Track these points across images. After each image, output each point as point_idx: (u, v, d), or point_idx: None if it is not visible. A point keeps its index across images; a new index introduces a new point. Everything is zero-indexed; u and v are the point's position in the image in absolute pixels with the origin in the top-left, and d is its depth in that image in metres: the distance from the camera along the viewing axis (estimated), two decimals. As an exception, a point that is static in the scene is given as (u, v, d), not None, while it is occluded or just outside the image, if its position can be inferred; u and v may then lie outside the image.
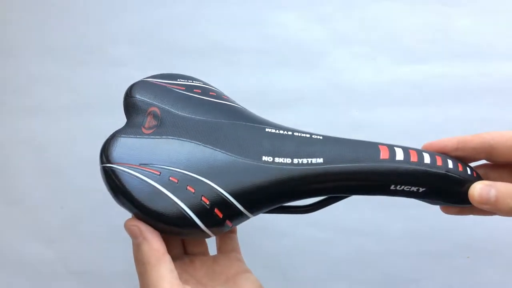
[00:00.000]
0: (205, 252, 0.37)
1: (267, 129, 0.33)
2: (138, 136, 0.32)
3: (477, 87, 0.50)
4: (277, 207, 0.34)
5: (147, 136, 0.32)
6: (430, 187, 0.32)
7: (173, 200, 0.30)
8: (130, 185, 0.30)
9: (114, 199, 0.32)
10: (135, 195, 0.30)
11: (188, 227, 0.30)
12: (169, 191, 0.30)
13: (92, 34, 0.52)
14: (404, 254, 0.51)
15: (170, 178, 0.31)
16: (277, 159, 0.32)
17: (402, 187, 0.32)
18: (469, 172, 0.33)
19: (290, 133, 0.33)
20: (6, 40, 0.53)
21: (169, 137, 0.32)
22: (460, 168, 0.33)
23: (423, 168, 0.32)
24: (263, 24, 0.51)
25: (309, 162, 0.32)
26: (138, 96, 0.34)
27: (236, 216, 0.31)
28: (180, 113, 0.34)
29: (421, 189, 0.32)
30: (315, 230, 0.52)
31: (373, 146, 0.33)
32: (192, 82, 0.37)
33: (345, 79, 0.52)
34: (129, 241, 0.54)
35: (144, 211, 0.30)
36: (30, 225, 0.54)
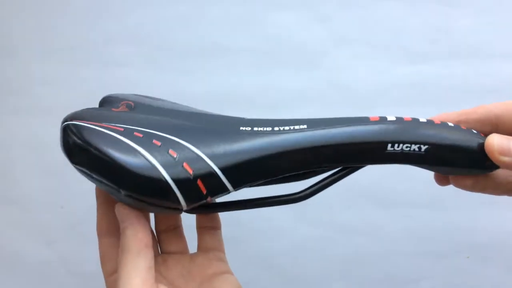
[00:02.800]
0: (183, 251, 0.34)
1: (241, 127, 0.30)
2: (105, 110, 0.31)
3: (477, 87, 0.50)
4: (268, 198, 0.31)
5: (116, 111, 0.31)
6: (434, 143, 0.29)
7: (149, 160, 0.26)
8: (93, 136, 0.27)
9: (73, 162, 0.29)
10: (103, 149, 0.27)
11: (159, 195, 0.27)
12: (143, 148, 0.27)
13: (92, 34, 0.52)
14: (404, 254, 0.51)
15: (135, 134, 0.28)
16: (255, 128, 0.30)
17: (401, 146, 0.28)
18: (474, 131, 0.30)
19: (269, 129, 0.30)
20: (6, 40, 0.53)
21: (141, 113, 0.31)
22: (463, 127, 0.30)
23: (420, 122, 0.29)
24: (263, 24, 0.51)
25: (291, 128, 0.30)
26: (114, 95, 0.33)
27: (218, 191, 0.28)
28: (154, 105, 0.32)
29: (423, 147, 0.28)
30: (314, 230, 0.52)
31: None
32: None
33: (345, 79, 0.52)
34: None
35: (113, 169, 0.26)
36: (30, 225, 0.54)
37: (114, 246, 0.30)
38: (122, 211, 0.28)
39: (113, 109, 0.32)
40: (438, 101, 0.51)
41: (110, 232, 0.31)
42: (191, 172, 0.27)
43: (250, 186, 0.30)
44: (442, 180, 0.32)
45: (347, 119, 0.30)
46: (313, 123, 0.30)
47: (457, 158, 0.29)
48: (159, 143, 0.27)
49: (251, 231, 0.52)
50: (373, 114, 0.51)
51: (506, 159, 0.27)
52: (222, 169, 0.27)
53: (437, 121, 0.30)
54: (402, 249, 0.51)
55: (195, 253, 0.34)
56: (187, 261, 0.33)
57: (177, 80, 0.52)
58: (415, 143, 0.29)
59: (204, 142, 0.28)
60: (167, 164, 0.27)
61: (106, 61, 0.52)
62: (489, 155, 0.28)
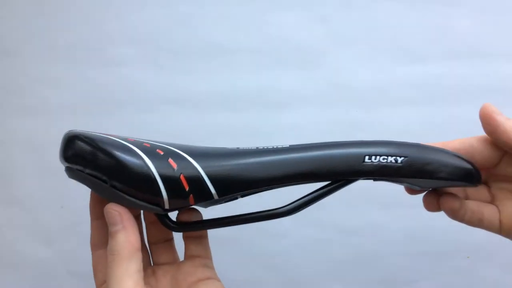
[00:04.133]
0: (172, 262, 0.35)
1: (229, 148, 0.33)
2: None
3: (477, 87, 0.50)
4: (249, 217, 0.33)
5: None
6: (410, 156, 0.30)
7: (138, 152, 0.29)
8: (90, 136, 0.30)
9: (68, 160, 0.31)
10: (96, 142, 0.30)
11: (146, 189, 0.29)
12: (134, 146, 0.30)
13: (92, 34, 0.52)
14: (404, 254, 0.51)
15: (128, 139, 0.31)
16: (241, 148, 0.32)
17: (378, 158, 0.30)
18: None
19: (254, 148, 0.32)
20: (7, 40, 0.53)
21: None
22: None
23: (397, 141, 0.31)
24: (263, 24, 0.51)
25: (274, 147, 0.31)
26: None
27: (202, 196, 0.30)
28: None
29: (400, 159, 0.30)
30: (314, 230, 0.52)
31: None
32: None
33: (345, 79, 0.52)
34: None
35: (103, 158, 0.29)
36: (30, 225, 0.54)
37: (105, 257, 0.30)
38: (113, 213, 0.29)
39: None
40: (438, 101, 0.51)
41: (103, 244, 0.32)
42: (174, 167, 0.29)
43: (236, 197, 0.32)
44: (432, 206, 0.34)
45: (327, 142, 0.31)
46: (296, 145, 0.32)
47: (435, 170, 0.30)
48: (149, 145, 0.30)
49: (251, 231, 0.52)
50: (373, 114, 0.51)
51: (500, 117, 0.32)
52: (207, 173, 0.30)
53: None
54: (402, 249, 0.51)
55: (182, 261, 0.35)
56: (174, 270, 0.34)
57: (177, 80, 0.52)
58: (392, 155, 0.30)
59: (194, 152, 0.31)
60: (154, 158, 0.29)
61: (106, 61, 0.52)
62: (488, 117, 0.32)
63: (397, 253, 0.51)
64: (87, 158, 0.30)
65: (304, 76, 0.52)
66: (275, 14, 0.51)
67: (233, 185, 0.30)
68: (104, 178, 0.29)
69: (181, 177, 0.29)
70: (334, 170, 0.30)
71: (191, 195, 0.30)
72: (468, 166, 0.31)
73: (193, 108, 0.51)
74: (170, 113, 0.52)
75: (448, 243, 0.51)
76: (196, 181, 0.29)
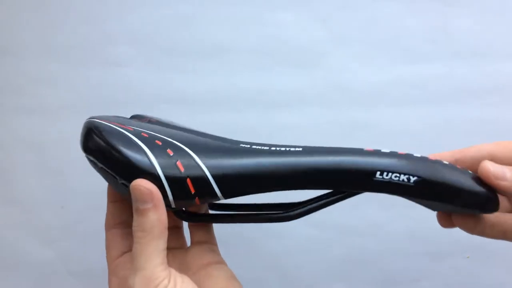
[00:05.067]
0: (181, 247, 0.36)
1: (241, 144, 0.32)
2: (126, 118, 0.35)
3: (477, 87, 0.50)
4: (255, 214, 0.33)
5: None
6: (424, 177, 0.28)
7: (147, 153, 0.29)
8: (106, 130, 0.30)
9: (85, 151, 0.32)
10: (109, 139, 0.30)
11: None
12: (144, 144, 0.30)
13: (92, 34, 0.52)
14: (404, 254, 0.51)
15: (142, 134, 0.31)
16: (254, 146, 0.32)
17: (390, 175, 0.28)
18: (470, 172, 0.30)
19: (266, 148, 0.32)
20: (6, 40, 0.53)
21: (156, 124, 0.34)
22: (458, 166, 0.30)
23: (413, 157, 0.29)
24: (263, 24, 0.51)
25: (287, 150, 0.31)
26: (143, 114, 0.37)
27: (208, 195, 0.30)
28: (172, 123, 0.36)
29: (412, 178, 0.28)
30: (315, 230, 0.52)
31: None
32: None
33: (345, 79, 0.52)
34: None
35: (113, 156, 0.29)
36: (30, 225, 0.54)
37: (119, 235, 0.33)
38: (144, 190, 0.29)
39: (135, 120, 0.35)
40: (438, 101, 0.51)
41: (116, 225, 0.34)
42: (182, 170, 0.29)
43: (242, 195, 0.32)
44: (445, 222, 0.33)
45: (342, 149, 0.30)
46: (309, 148, 0.31)
47: (446, 194, 0.29)
48: (160, 143, 0.30)
49: (252, 231, 0.52)
50: (373, 114, 0.51)
51: (503, 184, 0.28)
52: (214, 176, 0.30)
53: (431, 157, 0.30)
54: (402, 249, 0.51)
55: (189, 247, 0.36)
56: (182, 255, 0.35)
57: (177, 80, 0.52)
58: (405, 174, 0.28)
59: (204, 151, 0.31)
60: (162, 160, 0.29)
61: (106, 61, 0.52)
62: (485, 179, 0.28)
63: (397, 253, 0.51)
64: (99, 152, 0.30)
65: (304, 76, 0.52)
66: (275, 14, 0.51)
67: (239, 188, 0.30)
68: (114, 174, 0.30)
69: (188, 180, 0.30)
70: (343, 182, 0.30)
71: (196, 197, 0.30)
72: (486, 192, 0.29)
73: (193, 108, 0.51)
74: (170, 113, 0.52)
75: (448, 243, 0.51)
76: (202, 183, 0.30)
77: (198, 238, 0.36)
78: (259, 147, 0.31)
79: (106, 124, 0.31)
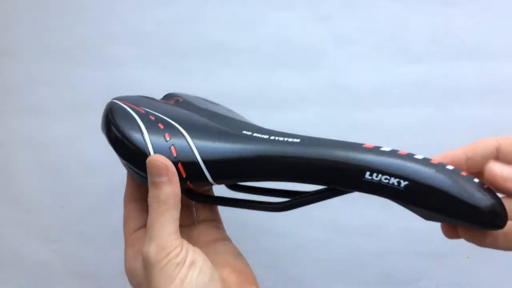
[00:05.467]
0: (189, 225, 0.37)
1: (243, 131, 0.33)
2: (149, 98, 0.37)
3: (477, 87, 0.50)
4: (243, 200, 0.34)
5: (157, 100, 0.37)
6: (415, 181, 0.26)
7: (144, 136, 0.31)
8: (116, 112, 0.33)
9: (102, 130, 0.34)
10: (116, 121, 0.32)
11: (144, 168, 0.31)
12: (145, 127, 0.32)
13: (92, 34, 0.52)
14: (404, 254, 0.51)
15: (150, 117, 0.33)
16: (255, 134, 0.32)
17: (380, 176, 0.26)
18: (475, 180, 0.26)
19: (266, 136, 0.32)
20: (6, 40, 0.53)
21: (176, 106, 0.36)
22: (463, 173, 0.26)
23: (411, 158, 0.27)
24: (263, 24, 0.51)
25: (285, 140, 0.31)
26: (175, 92, 0.40)
27: (199, 180, 0.31)
28: (197, 104, 0.37)
29: (403, 183, 0.26)
30: (315, 230, 0.52)
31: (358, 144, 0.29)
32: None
33: (345, 79, 0.52)
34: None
35: (117, 132, 0.32)
36: (30, 225, 0.54)
37: (136, 210, 0.34)
38: (159, 165, 0.30)
39: (160, 100, 0.38)
40: (438, 101, 0.51)
41: (134, 199, 0.35)
42: (174, 154, 0.31)
43: (233, 183, 0.34)
44: (450, 233, 0.30)
45: (341, 143, 0.29)
46: (306, 140, 0.30)
47: (444, 205, 0.26)
48: (162, 126, 0.32)
49: (253, 231, 0.52)
50: (373, 114, 0.51)
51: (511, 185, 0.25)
52: (205, 161, 0.31)
53: (435, 160, 0.27)
54: (402, 249, 0.51)
55: (196, 225, 0.38)
56: (190, 231, 0.36)
57: (177, 80, 0.52)
58: (395, 176, 0.26)
59: (203, 136, 0.31)
60: (157, 144, 0.31)
61: (106, 61, 0.52)
62: (492, 182, 0.26)
63: (397, 253, 0.51)
64: (107, 132, 0.33)
65: (304, 76, 0.52)
66: (275, 14, 0.51)
67: (229, 174, 0.31)
68: (117, 154, 0.33)
69: (179, 165, 0.31)
70: (331, 179, 0.29)
71: (188, 181, 0.31)
72: (490, 206, 0.25)
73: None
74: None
75: (448, 243, 0.51)
76: (193, 168, 0.31)
77: (205, 216, 0.37)
78: (259, 135, 0.32)
79: (121, 106, 0.33)
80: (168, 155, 0.31)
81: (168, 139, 0.31)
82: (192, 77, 0.52)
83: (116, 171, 0.53)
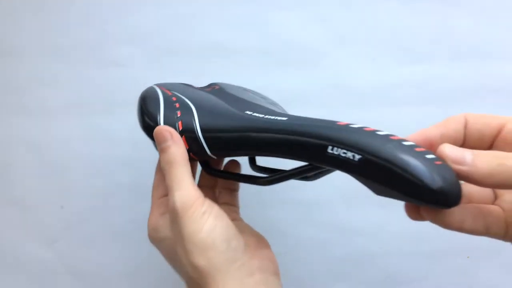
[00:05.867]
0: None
1: (246, 111, 0.36)
2: (185, 85, 0.43)
3: (477, 87, 0.50)
4: (239, 175, 0.38)
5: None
6: (367, 154, 0.26)
7: (160, 113, 0.36)
8: (147, 95, 0.39)
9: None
10: (144, 101, 0.38)
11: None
12: (164, 106, 0.37)
13: (92, 34, 0.52)
14: (404, 254, 0.51)
15: (173, 98, 0.38)
16: (255, 114, 0.34)
17: (339, 150, 0.27)
18: (429, 156, 0.26)
19: (261, 115, 0.34)
20: (6, 40, 0.53)
21: (208, 93, 0.40)
22: (419, 149, 0.26)
23: (371, 134, 0.27)
24: (263, 24, 0.51)
25: (274, 118, 0.33)
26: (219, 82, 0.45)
27: (199, 152, 0.35)
28: (229, 91, 0.42)
29: (357, 157, 0.27)
30: (315, 230, 0.52)
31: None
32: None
33: (345, 79, 0.52)
34: (129, 241, 0.54)
35: (142, 108, 0.38)
36: (30, 225, 0.54)
37: (164, 179, 0.36)
38: (164, 132, 0.34)
39: (198, 87, 0.43)
40: (438, 101, 0.51)
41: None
42: (180, 129, 0.35)
43: (229, 156, 0.38)
44: (412, 213, 0.29)
45: (317, 121, 0.31)
46: (292, 118, 0.32)
47: (394, 181, 0.25)
48: (178, 105, 0.37)
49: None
50: (373, 114, 0.51)
51: (461, 168, 0.24)
52: (204, 136, 0.35)
53: (395, 137, 0.27)
54: (402, 249, 0.51)
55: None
56: None
57: (177, 80, 0.52)
58: (351, 151, 0.27)
59: (207, 115, 0.35)
60: (168, 119, 0.36)
61: (106, 61, 0.52)
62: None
63: (397, 253, 0.51)
64: (138, 113, 0.38)
65: (304, 76, 0.52)
66: (275, 14, 0.51)
67: (222, 147, 0.34)
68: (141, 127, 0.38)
69: (183, 137, 0.35)
70: (303, 154, 0.30)
71: (191, 152, 0.35)
72: (434, 181, 0.24)
73: (193, 108, 0.51)
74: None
75: (448, 243, 0.51)
76: (193, 140, 0.35)
77: (224, 199, 0.41)
78: (257, 115, 0.34)
79: (153, 89, 0.39)
80: (175, 129, 0.35)
81: (178, 115, 0.36)
82: (191, 77, 0.52)
83: (116, 171, 0.53)
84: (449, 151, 0.25)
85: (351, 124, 0.29)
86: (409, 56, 0.51)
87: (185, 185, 0.33)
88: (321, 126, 0.29)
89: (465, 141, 0.28)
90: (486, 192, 0.29)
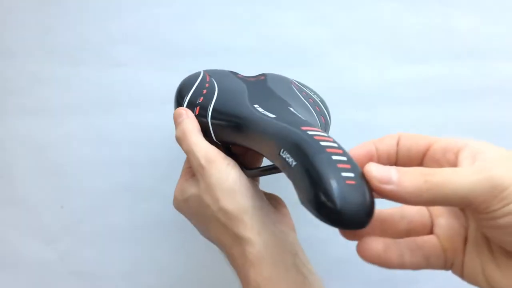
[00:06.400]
0: None
1: (255, 104, 0.37)
2: (231, 73, 0.46)
3: (477, 87, 0.50)
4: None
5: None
6: (303, 163, 0.26)
7: (186, 97, 0.41)
8: (187, 79, 0.44)
9: None
10: (181, 84, 0.43)
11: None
12: (194, 91, 0.41)
13: (92, 34, 0.52)
14: (404, 254, 0.51)
15: (206, 84, 0.41)
16: (259, 109, 0.36)
17: (287, 155, 0.28)
18: (346, 174, 0.25)
19: (259, 113, 0.36)
20: (6, 40, 0.53)
21: (248, 83, 0.43)
22: (343, 165, 0.25)
23: (311, 141, 0.27)
24: (263, 24, 0.51)
25: (265, 115, 0.35)
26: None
27: (207, 136, 0.38)
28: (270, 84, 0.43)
29: (294, 163, 0.27)
30: (315, 229, 0.52)
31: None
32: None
33: (345, 79, 0.52)
34: (128, 241, 0.54)
35: (177, 91, 0.43)
36: (30, 225, 0.54)
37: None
38: (179, 110, 0.39)
39: (242, 75, 0.45)
40: (438, 101, 0.51)
41: None
42: (196, 113, 0.39)
43: (230, 144, 0.39)
44: (347, 234, 0.29)
45: (292, 123, 0.31)
46: (278, 118, 0.34)
47: (309, 193, 0.25)
48: (205, 92, 0.40)
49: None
50: (373, 114, 0.51)
51: (387, 187, 0.24)
52: (212, 123, 0.38)
53: (332, 149, 0.26)
54: (402, 249, 0.51)
55: None
56: None
57: (177, 80, 0.52)
58: (291, 156, 0.27)
59: (223, 103, 0.38)
60: (190, 102, 0.40)
61: (106, 61, 0.52)
62: (372, 186, 0.25)
63: (397, 253, 0.51)
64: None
65: (304, 76, 0.51)
66: (275, 14, 0.51)
67: (224, 135, 0.38)
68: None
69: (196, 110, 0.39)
70: (269, 153, 0.32)
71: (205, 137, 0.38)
72: (339, 201, 0.24)
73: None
74: (170, 113, 0.52)
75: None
76: (204, 125, 0.38)
77: None
78: (259, 110, 0.36)
79: (197, 74, 0.43)
80: (192, 112, 0.39)
81: (199, 101, 0.39)
82: (192, 77, 0.52)
83: (116, 171, 0.53)
84: (375, 170, 0.24)
85: (310, 131, 0.29)
86: (409, 56, 0.51)
87: (204, 145, 0.36)
88: (281, 128, 0.31)
89: (397, 159, 0.28)
90: (424, 218, 0.29)
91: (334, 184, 0.24)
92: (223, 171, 0.34)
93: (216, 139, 0.38)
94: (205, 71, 0.44)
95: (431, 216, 0.29)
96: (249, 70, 0.51)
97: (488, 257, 0.25)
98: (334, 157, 0.26)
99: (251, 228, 0.33)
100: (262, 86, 0.42)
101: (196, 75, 0.43)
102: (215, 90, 0.40)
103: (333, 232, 0.52)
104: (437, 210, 0.29)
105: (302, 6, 0.51)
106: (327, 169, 0.24)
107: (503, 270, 0.24)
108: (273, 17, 0.51)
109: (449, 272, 0.53)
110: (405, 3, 0.50)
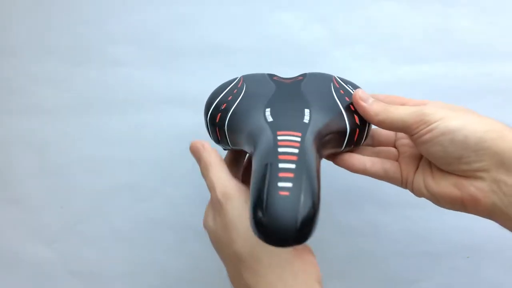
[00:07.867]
0: None
1: (266, 108, 0.37)
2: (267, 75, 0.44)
3: (477, 87, 0.50)
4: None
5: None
6: (253, 168, 0.30)
7: (212, 105, 0.40)
8: (224, 83, 0.43)
9: None
10: (223, 84, 0.42)
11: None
12: (220, 97, 0.40)
13: (92, 34, 0.52)
14: (404, 254, 0.51)
15: (234, 91, 0.40)
16: (268, 116, 0.35)
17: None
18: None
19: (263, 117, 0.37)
20: (6, 40, 0.53)
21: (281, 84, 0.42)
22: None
23: (275, 151, 0.30)
24: (263, 24, 0.51)
25: (268, 120, 0.34)
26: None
27: (224, 142, 0.39)
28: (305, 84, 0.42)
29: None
30: (315, 230, 0.52)
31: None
32: None
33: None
34: (128, 241, 0.54)
35: (210, 95, 0.42)
36: (30, 225, 0.54)
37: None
38: (196, 145, 0.38)
39: (277, 77, 0.43)
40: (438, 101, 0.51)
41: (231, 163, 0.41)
42: (217, 121, 0.38)
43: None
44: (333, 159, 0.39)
45: (285, 126, 0.32)
46: (271, 125, 0.34)
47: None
48: (230, 98, 0.39)
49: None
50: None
51: (364, 104, 0.35)
52: (227, 127, 0.37)
53: (292, 157, 0.28)
54: (402, 249, 0.51)
55: None
56: None
57: (177, 80, 0.52)
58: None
59: (240, 108, 0.37)
60: (215, 109, 0.39)
61: (106, 61, 0.52)
62: (354, 102, 0.36)
63: (397, 253, 0.51)
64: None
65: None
66: (275, 14, 0.51)
67: (225, 139, 0.38)
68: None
69: (216, 129, 0.38)
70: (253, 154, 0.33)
71: (220, 142, 0.39)
72: (265, 210, 0.25)
73: (194, 108, 0.51)
74: (171, 113, 0.52)
75: (448, 243, 0.51)
76: (222, 133, 0.38)
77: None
78: (265, 117, 0.35)
79: (234, 79, 0.42)
80: (214, 121, 0.38)
81: (222, 108, 0.38)
82: (191, 77, 0.52)
83: (116, 171, 0.53)
84: (361, 92, 0.36)
85: (282, 135, 0.31)
86: (409, 56, 0.51)
87: (223, 180, 0.34)
88: (256, 135, 0.32)
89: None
90: (392, 151, 0.39)
91: (267, 194, 0.25)
92: (240, 208, 0.32)
93: (233, 147, 0.38)
94: (242, 76, 0.42)
95: (398, 152, 0.39)
96: (249, 70, 0.51)
97: (428, 173, 0.35)
98: (280, 165, 0.26)
99: (264, 277, 0.30)
100: (293, 87, 0.40)
101: (231, 81, 0.42)
102: (239, 97, 0.39)
103: (333, 232, 0.53)
104: (403, 146, 0.39)
105: (302, 6, 0.51)
106: (270, 179, 0.26)
107: (436, 180, 0.34)
108: (273, 17, 0.51)
109: (449, 272, 0.53)
110: (405, 3, 0.50)
